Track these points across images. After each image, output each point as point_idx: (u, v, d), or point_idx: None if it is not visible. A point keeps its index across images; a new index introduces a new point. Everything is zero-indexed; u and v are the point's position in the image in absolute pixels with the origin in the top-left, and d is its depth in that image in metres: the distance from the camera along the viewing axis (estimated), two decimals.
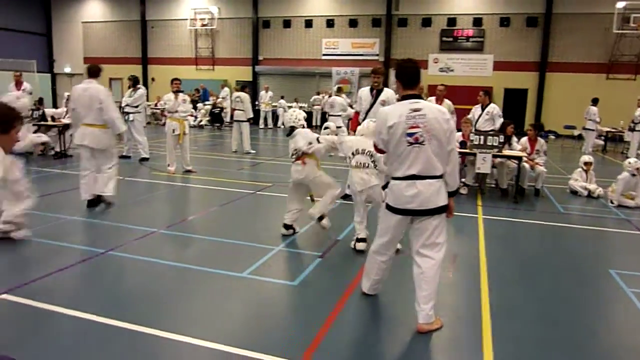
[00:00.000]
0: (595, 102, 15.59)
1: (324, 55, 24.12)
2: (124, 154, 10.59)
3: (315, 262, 4.63)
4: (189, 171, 9.16)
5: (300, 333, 3.29)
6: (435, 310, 3.37)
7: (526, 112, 21.77)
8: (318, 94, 21.48)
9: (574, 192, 8.52)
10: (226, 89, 19.99)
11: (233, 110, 12.70)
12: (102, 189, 6.29)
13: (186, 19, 24.93)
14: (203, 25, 24.62)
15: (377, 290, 3.86)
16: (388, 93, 6.79)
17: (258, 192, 7.62)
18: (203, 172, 9.35)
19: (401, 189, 3.30)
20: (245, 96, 12.32)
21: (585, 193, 8.36)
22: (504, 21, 21.79)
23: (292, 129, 5.31)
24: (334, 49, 23.99)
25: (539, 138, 8.51)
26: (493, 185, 8.74)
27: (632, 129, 14.82)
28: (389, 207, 3.44)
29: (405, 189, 3.28)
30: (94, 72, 6.36)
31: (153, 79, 26.14)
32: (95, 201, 6.35)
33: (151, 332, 3.20)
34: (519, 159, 7.74)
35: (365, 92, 6.96)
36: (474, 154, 7.79)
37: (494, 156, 7.69)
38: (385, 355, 3.13)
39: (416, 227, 3.40)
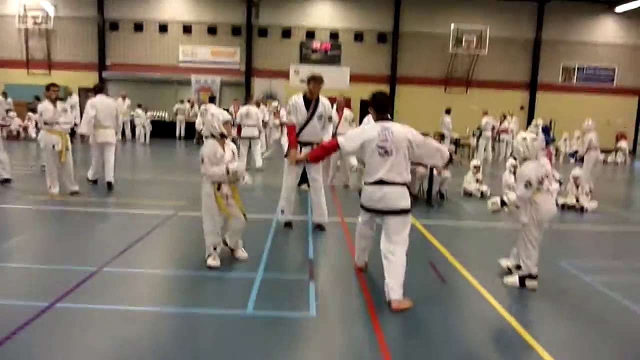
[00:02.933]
0: (448, 112, 17.46)
1: (181, 62, 22.87)
2: None
3: (310, 287, 4.23)
4: (75, 192, 7.73)
5: None
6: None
7: None
8: (182, 102, 20.16)
9: (468, 194, 9.37)
10: (75, 96, 17.50)
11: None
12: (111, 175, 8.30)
13: (14, 15, 21.34)
14: (35, 23, 21.36)
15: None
16: (325, 103, 6.12)
17: (180, 214, 6.76)
18: (93, 192, 8.02)
19: None
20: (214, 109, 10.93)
21: (479, 194, 9.26)
22: (358, 36, 23.28)
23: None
24: (192, 55, 22.89)
25: (442, 145, 9.15)
26: None
27: (478, 136, 16.98)
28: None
29: None
30: (101, 88, 8.82)
31: None
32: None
33: None
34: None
35: (299, 103, 6.04)
36: None
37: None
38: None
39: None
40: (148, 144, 17.83)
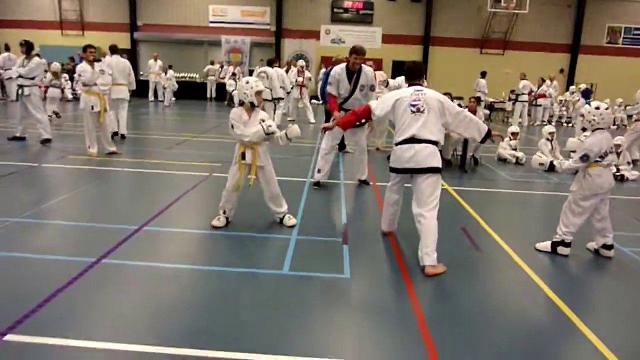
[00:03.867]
0: (483, 75, 16.95)
1: (212, 22, 22.71)
2: (17, 134, 8.84)
3: (344, 249, 4.30)
4: (112, 153, 7.95)
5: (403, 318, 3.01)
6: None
7: None
8: (212, 63, 20.15)
9: (503, 160, 9.20)
10: (108, 57, 17.64)
11: None
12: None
13: None
14: None
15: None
16: (367, 73, 6.16)
17: (215, 175, 6.88)
18: (129, 153, 8.22)
19: None
20: (272, 72, 11.08)
21: (514, 160, 9.08)
22: None
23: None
24: (222, 16, 22.69)
25: (478, 109, 8.96)
26: None
27: (514, 100, 16.47)
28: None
29: None
30: (115, 49, 9.90)
31: (7, 47, 22.19)
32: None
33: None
34: None
35: (343, 75, 6.08)
36: None
37: None
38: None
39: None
40: (170, 105, 17.75)
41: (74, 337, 2.73)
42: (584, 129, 4.44)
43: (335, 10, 22.69)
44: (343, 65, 6.13)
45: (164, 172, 7.01)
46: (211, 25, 22.70)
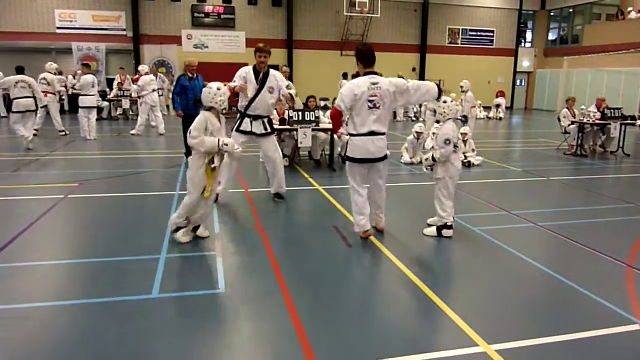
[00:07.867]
0: (345, 76, 17.80)
1: (59, 28, 20.77)
2: None
3: (218, 262, 4.20)
4: None
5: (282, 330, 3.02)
6: None
7: None
8: (60, 73, 18.29)
9: None
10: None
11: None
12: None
13: None
14: None
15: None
16: (277, 76, 6.06)
17: (70, 196, 6.29)
18: None
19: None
20: (52, 78, 11.70)
21: None
22: (252, 0, 22.59)
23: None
24: (71, 21, 20.85)
25: None
26: (306, 157, 9.27)
27: None
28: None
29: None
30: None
31: None
32: None
33: None
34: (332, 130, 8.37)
35: (250, 75, 5.89)
36: (294, 130, 8.10)
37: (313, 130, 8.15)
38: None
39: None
40: None
41: None
42: (438, 122, 5.11)
43: (196, 14, 22.12)
44: (250, 66, 5.96)
45: (9, 199, 6.23)
46: (59, 31, 20.75)
